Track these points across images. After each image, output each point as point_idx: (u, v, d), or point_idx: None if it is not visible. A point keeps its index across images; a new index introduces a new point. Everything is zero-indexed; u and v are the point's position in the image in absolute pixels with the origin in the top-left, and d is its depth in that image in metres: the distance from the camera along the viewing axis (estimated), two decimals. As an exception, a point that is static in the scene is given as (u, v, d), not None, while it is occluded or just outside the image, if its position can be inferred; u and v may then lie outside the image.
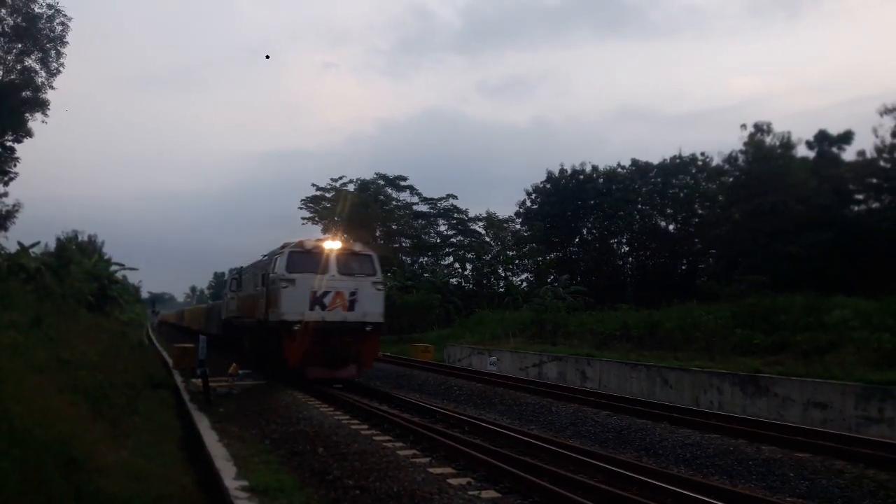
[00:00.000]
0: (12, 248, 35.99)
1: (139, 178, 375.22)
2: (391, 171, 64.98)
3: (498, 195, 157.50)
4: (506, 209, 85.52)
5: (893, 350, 15.21)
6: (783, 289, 24.85)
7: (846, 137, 42.33)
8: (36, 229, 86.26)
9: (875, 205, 39.27)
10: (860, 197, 40.30)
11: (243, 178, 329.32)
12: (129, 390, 13.38)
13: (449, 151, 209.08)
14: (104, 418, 10.13)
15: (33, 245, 38.49)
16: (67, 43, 32.57)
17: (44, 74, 32.53)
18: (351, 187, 63.44)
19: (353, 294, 17.51)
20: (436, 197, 63.33)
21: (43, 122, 32.89)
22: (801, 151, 43.70)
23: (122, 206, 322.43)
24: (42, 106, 32.59)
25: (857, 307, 18.43)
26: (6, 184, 33.81)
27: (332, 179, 64.20)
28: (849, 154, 42.06)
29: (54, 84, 32.72)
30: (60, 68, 32.84)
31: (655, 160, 57.09)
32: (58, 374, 11.72)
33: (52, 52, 32.43)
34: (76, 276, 39.24)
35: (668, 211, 56.39)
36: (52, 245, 46.31)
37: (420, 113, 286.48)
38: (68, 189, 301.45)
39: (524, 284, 52.10)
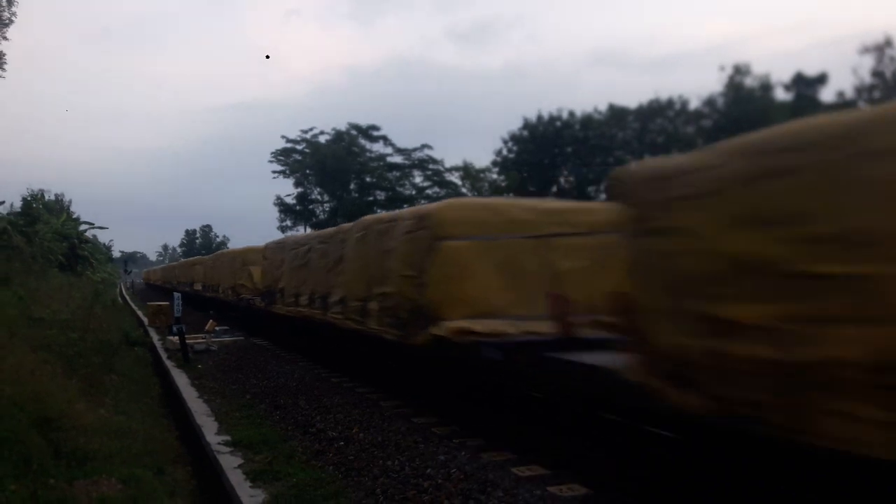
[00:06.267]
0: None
1: (103, 135, 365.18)
2: (363, 121, 63.70)
3: (474, 144, 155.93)
4: (483, 158, 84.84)
5: None
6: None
7: (822, 79, 42.69)
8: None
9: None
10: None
11: (210, 132, 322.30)
12: (105, 348, 13.16)
13: (420, 100, 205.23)
14: (79, 376, 9.95)
15: (-3, 205, 37.35)
16: (18, -9, 30.96)
17: (-6, 25, 31.00)
18: (322, 139, 62.28)
19: None
20: (410, 147, 62.30)
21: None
22: (779, 95, 43.77)
23: (88, 164, 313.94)
24: (-4, 59, 31.15)
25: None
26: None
27: (301, 131, 63.01)
28: (828, 95, 42.19)
29: (7, 35, 31.24)
30: (13, 18, 31.29)
31: (633, 104, 56.72)
32: (29, 333, 11.48)
33: (3, 2, 30.85)
34: (45, 236, 38.30)
35: (646, 156, 56.35)
36: (18, 206, 45.01)
37: (388, 60, 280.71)
38: (30, 148, 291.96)
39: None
